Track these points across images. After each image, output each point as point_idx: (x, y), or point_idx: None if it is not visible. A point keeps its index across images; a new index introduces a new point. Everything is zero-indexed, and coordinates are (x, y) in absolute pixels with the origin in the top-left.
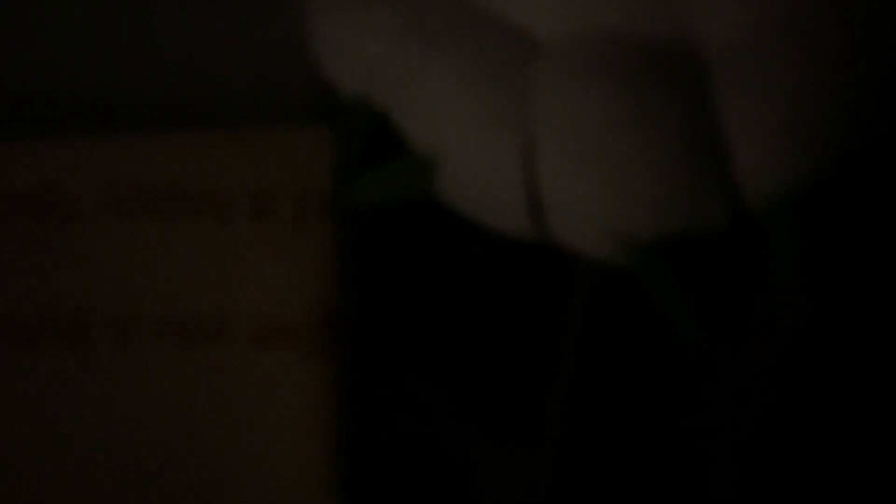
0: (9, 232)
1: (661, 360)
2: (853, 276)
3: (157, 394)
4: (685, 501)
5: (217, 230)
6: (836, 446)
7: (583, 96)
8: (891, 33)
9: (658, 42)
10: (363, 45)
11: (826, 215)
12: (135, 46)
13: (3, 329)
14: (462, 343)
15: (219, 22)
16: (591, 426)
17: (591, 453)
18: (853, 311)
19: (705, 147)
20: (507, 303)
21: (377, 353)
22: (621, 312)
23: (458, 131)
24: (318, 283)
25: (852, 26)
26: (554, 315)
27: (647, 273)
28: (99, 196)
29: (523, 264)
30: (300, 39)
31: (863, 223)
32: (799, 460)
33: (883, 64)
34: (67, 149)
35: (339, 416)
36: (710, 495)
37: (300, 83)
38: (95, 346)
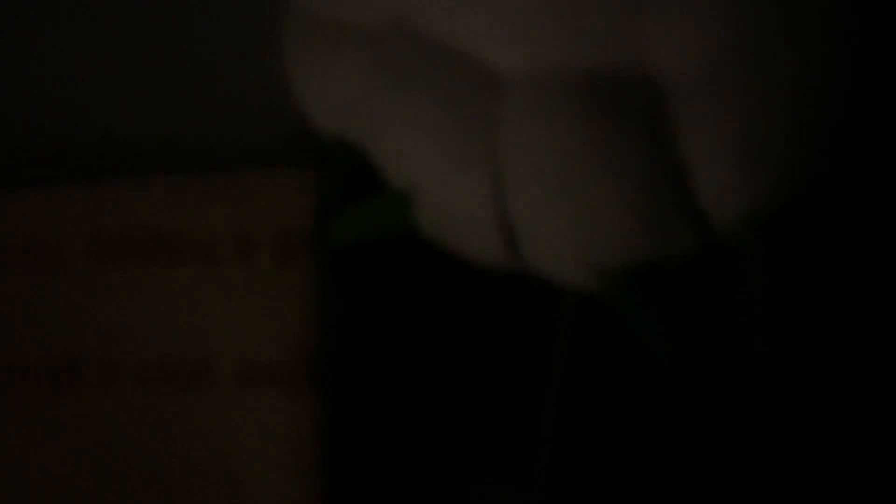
0: None
1: (645, 390)
2: (826, 295)
3: (144, 435)
4: None
5: (200, 274)
6: (815, 464)
7: (547, 131)
8: (847, 58)
9: (619, 76)
10: (338, 85)
11: (797, 235)
12: (114, 94)
13: None
14: (449, 379)
15: (198, 67)
16: (579, 457)
17: (580, 484)
18: (828, 329)
19: (669, 176)
20: (492, 337)
21: (364, 390)
22: (605, 343)
23: (431, 168)
24: (301, 323)
25: (808, 52)
26: (539, 348)
27: (621, 300)
28: (84, 244)
29: (507, 299)
30: (279, 82)
31: (835, 240)
32: (781, 481)
33: (840, 88)
34: (51, 198)
35: (324, 454)
36: None
37: (280, 125)
38: (83, 389)
